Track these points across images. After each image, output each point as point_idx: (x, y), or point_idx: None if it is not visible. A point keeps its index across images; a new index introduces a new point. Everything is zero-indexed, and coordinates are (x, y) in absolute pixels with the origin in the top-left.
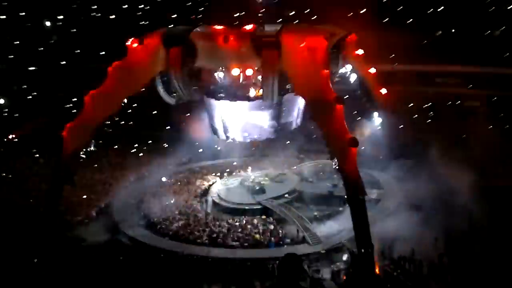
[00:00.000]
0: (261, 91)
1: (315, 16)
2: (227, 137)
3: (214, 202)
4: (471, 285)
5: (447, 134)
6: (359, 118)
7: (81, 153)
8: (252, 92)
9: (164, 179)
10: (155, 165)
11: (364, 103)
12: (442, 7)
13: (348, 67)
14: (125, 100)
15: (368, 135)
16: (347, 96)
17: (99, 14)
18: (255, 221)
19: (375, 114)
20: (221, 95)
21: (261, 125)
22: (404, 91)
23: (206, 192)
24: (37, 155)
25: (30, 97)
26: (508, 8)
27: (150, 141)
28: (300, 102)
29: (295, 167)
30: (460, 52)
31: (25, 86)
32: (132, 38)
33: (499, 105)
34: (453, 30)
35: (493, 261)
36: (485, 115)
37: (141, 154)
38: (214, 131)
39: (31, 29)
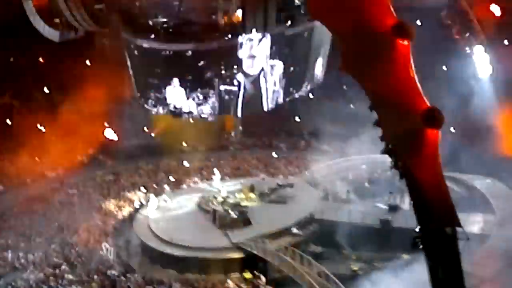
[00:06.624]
0: (239, 13)
1: None
2: (175, 111)
3: (143, 246)
4: None
5: None
6: (445, 66)
7: None
8: (219, 16)
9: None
10: (19, 171)
11: (456, 36)
12: None
13: None
14: None
15: (462, 102)
16: (421, 22)
17: None
18: (230, 284)
19: (478, 55)
20: (152, 22)
21: (242, 84)
22: None
23: (126, 225)
24: None
25: None
26: None
27: (9, 121)
28: (322, 37)
29: (311, 171)
30: None
31: None
32: None
33: None
34: None
35: None
36: None
37: None
38: (145, 98)
39: None
